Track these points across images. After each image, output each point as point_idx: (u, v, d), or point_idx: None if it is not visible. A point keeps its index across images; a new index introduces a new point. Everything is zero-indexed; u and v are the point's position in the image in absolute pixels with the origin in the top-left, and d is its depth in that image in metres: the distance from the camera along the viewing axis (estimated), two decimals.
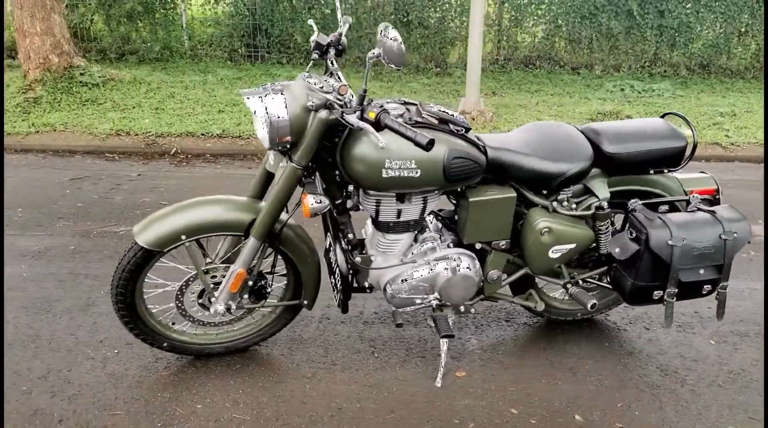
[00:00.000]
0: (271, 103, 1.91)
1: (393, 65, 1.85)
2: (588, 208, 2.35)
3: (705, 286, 2.23)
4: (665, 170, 2.40)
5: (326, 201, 1.97)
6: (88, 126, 5.60)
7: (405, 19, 8.21)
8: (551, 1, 8.26)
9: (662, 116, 2.50)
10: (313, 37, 2.16)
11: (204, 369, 2.38)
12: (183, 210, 2.12)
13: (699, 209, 2.25)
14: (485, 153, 2.18)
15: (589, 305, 2.34)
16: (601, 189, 2.35)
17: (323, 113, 1.94)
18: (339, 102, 1.92)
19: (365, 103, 1.90)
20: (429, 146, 1.73)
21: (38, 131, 5.49)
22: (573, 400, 2.28)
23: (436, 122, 2.07)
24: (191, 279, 2.24)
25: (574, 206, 2.34)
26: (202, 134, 5.54)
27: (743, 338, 2.69)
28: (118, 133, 5.49)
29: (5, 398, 2.17)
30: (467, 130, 2.14)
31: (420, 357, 2.49)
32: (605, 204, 2.33)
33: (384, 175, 2.01)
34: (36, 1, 6.22)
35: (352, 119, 1.86)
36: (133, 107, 6.15)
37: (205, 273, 2.22)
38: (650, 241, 2.13)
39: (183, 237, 2.08)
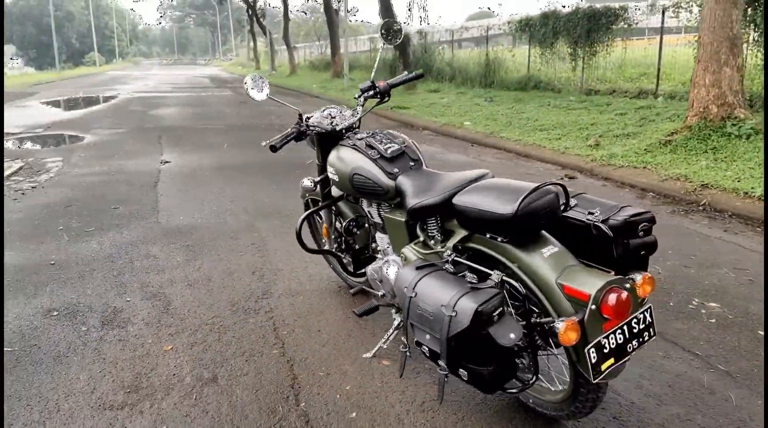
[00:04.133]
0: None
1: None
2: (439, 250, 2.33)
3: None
4: (498, 239, 2.04)
5: (311, 183, 3.01)
6: (670, 173, 6.03)
7: None
8: None
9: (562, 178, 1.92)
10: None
11: (349, 300, 3.56)
12: None
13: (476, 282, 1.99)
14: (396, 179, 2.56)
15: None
16: (451, 238, 2.27)
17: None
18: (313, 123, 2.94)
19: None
20: (270, 148, 2.69)
21: (627, 166, 6.54)
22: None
23: (364, 146, 2.70)
24: None
25: (438, 247, 2.34)
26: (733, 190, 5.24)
27: None
28: (685, 180, 5.91)
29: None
30: (386, 158, 2.60)
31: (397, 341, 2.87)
32: (448, 252, 2.23)
33: (330, 175, 2.88)
34: (711, 56, 6.95)
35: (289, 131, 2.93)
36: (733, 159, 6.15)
37: None
38: (396, 280, 2.13)
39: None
